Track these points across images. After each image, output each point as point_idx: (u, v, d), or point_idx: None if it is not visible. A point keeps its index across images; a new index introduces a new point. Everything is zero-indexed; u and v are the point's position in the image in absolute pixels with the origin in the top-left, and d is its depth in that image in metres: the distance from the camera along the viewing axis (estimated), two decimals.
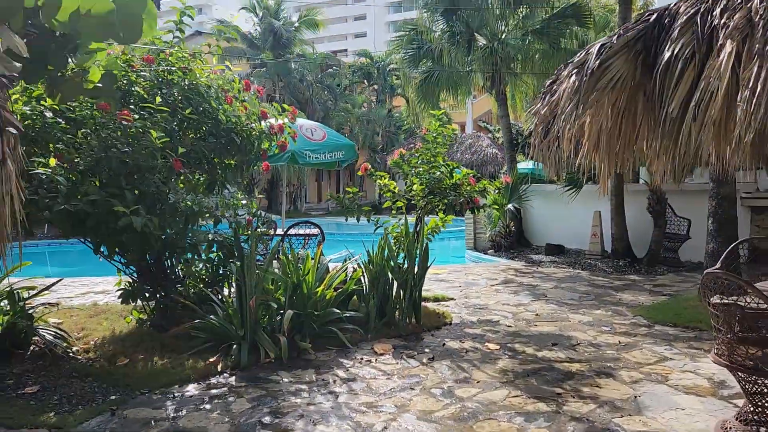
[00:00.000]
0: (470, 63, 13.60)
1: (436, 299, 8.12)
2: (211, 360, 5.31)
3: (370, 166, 7.45)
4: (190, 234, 5.75)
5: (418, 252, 6.63)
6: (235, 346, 5.43)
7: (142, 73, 5.75)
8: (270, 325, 5.78)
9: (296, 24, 29.83)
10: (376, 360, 5.47)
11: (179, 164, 5.15)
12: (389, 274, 6.55)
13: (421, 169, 7.24)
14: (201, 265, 6.34)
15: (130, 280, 6.11)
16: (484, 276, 10.15)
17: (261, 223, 7.02)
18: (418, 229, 7.01)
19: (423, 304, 7.71)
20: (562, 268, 10.89)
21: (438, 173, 7.03)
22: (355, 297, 6.72)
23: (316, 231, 8.16)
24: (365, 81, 33.87)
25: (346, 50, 53.57)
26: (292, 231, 8.26)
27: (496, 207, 12.84)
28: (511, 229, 12.93)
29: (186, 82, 5.89)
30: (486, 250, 13.46)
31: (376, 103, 32.83)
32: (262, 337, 5.56)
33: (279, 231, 8.80)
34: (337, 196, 7.33)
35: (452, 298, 8.26)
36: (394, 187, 7.44)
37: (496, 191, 7.04)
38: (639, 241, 11.16)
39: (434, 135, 7.23)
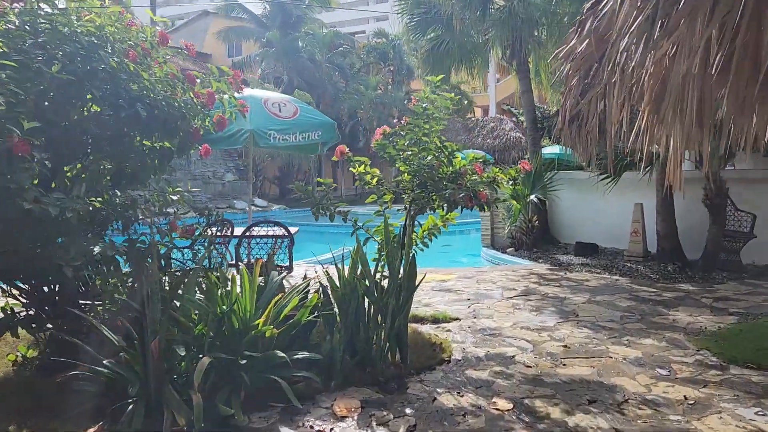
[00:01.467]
0: (486, 29, 11.67)
1: (436, 320, 6.35)
2: (91, 430, 3.65)
3: (347, 149, 5.63)
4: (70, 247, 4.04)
5: (404, 265, 4.88)
6: (130, 407, 3.74)
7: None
8: (186, 375, 4.08)
9: (307, 1, 27.97)
10: (331, 430, 3.75)
11: (24, 146, 3.41)
12: (364, 296, 4.81)
13: (409, 152, 5.43)
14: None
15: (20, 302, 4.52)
16: (500, 284, 8.32)
17: (209, 224, 5.36)
18: (405, 233, 5.21)
19: (418, 327, 5.97)
20: (596, 274, 9.01)
21: (430, 157, 5.22)
22: (321, 325, 4.99)
23: (280, 232, 6.40)
24: (381, 62, 31.92)
25: (364, 31, 51.56)
26: (254, 232, 6.55)
27: (516, 198, 10.97)
28: (534, 224, 11.05)
29: (67, 30, 4.14)
30: (505, 248, 11.61)
31: (393, 85, 30.87)
32: (170, 395, 3.85)
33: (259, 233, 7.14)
34: (305, 188, 5.53)
35: (456, 318, 6.49)
36: (376, 178, 5.64)
37: (511, 182, 5.31)
38: (690, 240, 9.22)
39: (424, 105, 5.40)
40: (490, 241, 12.13)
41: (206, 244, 5.27)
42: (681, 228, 9.10)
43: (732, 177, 8.98)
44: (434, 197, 5.30)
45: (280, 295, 4.64)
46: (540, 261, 10.21)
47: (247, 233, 6.26)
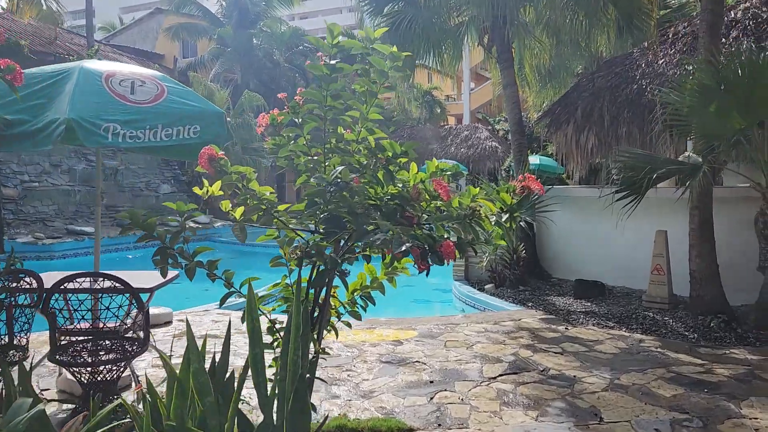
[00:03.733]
0: (459, 6, 9.25)
1: None
2: None
3: (218, 150, 3.05)
4: None
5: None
6: None
7: None
8: None
9: None
10: None
11: None
12: None
13: (314, 158, 2.92)
14: None
15: None
16: (478, 349, 5.79)
17: None
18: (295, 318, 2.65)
19: None
20: (609, 329, 6.53)
21: (343, 168, 2.68)
22: None
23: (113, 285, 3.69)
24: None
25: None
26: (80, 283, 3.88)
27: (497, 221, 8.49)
28: (520, 254, 8.56)
29: None
30: (483, 283, 9.10)
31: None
32: None
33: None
34: (133, 211, 2.88)
35: (410, 431, 3.95)
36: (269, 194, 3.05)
37: (498, 217, 3.06)
38: (732, 281, 6.83)
39: (331, 63, 2.88)
40: (464, 272, 9.62)
41: None
42: (720, 264, 6.68)
43: None
44: (354, 244, 2.79)
45: None
46: (529, 305, 7.71)
47: (63, 286, 3.62)
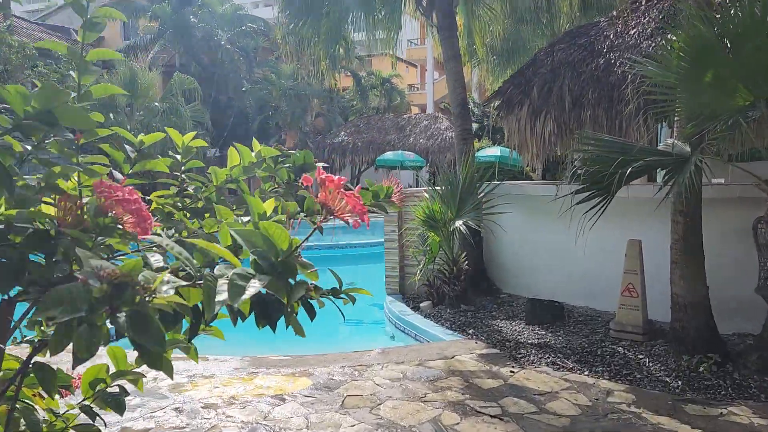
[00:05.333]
0: None
1: None
2: None
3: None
4: None
5: None
6: None
7: None
8: None
9: None
10: None
11: None
12: None
13: None
14: None
15: None
16: (387, 414, 4.13)
17: None
18: None
19: None
20: (567, 372, 4.95)
21: None
22: None
23: None
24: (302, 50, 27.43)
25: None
26: None
27: (433, 225, 6.82)
28: (462, 266, 6.93)
29: None
30: (419, 299, 7.49)
31: (315, 77, 26.48)
32: None
33: None
34: None
35: None
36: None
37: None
38: (723, 304, 5.32)
39: None
40: (398, 285, 7.98)
41: None
42: (710, 284, 5.13)
43: None
44: None
45: None
46: (470, 333, 6.09)
47: None
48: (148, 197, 2.21)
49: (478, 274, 7.39)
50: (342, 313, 2.29)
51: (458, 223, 6.62)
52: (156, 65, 22.26)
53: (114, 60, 17.85)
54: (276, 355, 5.42)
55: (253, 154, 2.42)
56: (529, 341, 5.76)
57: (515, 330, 6.12)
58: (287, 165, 2.46)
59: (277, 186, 2.50)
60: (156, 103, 17.24)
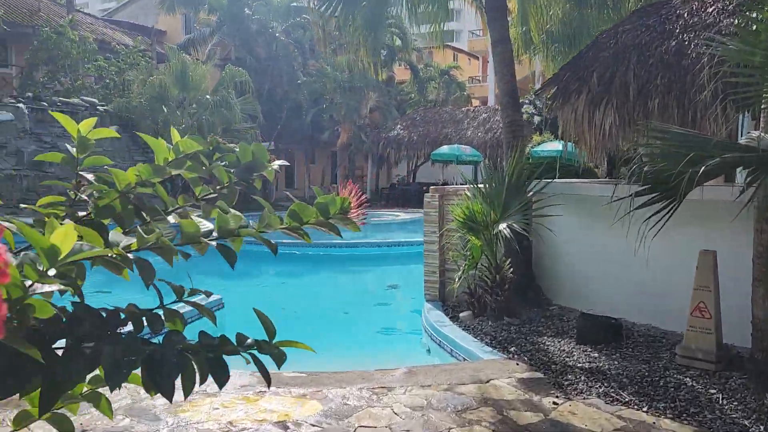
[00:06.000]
0: None
1: None
2: None
3: None
4: None
5: None
6: None
7: None
8: None
9: None
10: None
11: None
12: None
13: None
14: None
15: None
16: None
17: None
18: None
19: None
20: (621, 407, 4.18)
21: None
22: None
23: None
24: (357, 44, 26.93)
25: None
26: None
27: (474, 228, 6.11)
28: (506, 273, 6.20)
29: None
30: (459, 308, 6.82)
31: (354, 66, 25.93)
32: None
33: None
34: None
35: None
36: None
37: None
38: None
39: None
40: (438, 291, 7.33)
41: None
42: None
43: None
44: None
45: None
46: (511, 350, 5.38)
47: None
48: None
49: (524, 283, 6.64)
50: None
51: (502, 226, 5.90)
52: (212, 58, 22.29)
53: (168, 53, 17.90)
54: (290, 371, 4.88)
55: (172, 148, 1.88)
56: (579, 364, 5.01)
57: (564, 350, 5.37)
58: (225, 163, 1.90)
59: (211, 192, 1.94)
60: (207, 96, 17.13)
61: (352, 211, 1.73)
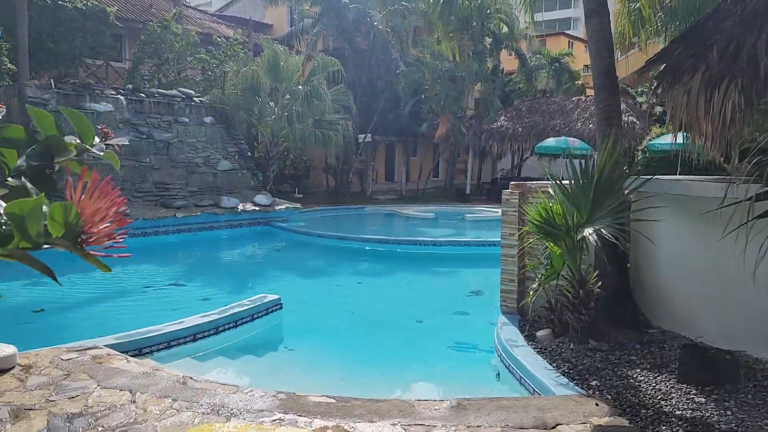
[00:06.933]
0: None
1: None
2: None
3: None
4: None
5: None
6: None
7: None
8: None
9: None
10: None
11: None
12: None
13: None
14: None
15: None
16: None
17: None
18: None
19: None
20: None
21: None
22: None
23: None
24: (462, 30, 25.78)
25: None
26: None
27: (552, 233, 5.10)
28: (590, 288, 5.15)
29: None
30: (538, 326, 5.83)
31: (473, 57, 24.78)
32: None
33: None
34: None
35: None
36: None
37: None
38: None
39: None
40: (515, 302, 6.36)
41: None
42: None
43: None
44: None
45: None
46: (592, 384, 4.37)
47: None
48: None
49: (617, 299, 5.52)
50: None
51: (587, 232, 4.86)
52: (313, 49, 22.15)
53: (263, 44, 17.86)
54: (318, 395, 4.19)
55: None
56: (678, 411, 3.92)
57: (660, 389, 4.28)
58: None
59: None
60: (299, 86, 16.91)
61: (100, 230, 0.98)
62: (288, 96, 17.06)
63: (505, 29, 27.89)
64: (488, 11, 26.31)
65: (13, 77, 15.85)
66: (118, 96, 14.72)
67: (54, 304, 8.55)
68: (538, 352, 5.19)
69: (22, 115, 13.22)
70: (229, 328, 6.39)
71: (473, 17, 25.58)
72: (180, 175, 15.23)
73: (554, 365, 4.85)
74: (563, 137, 21.98)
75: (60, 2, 18.06)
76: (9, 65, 15.89)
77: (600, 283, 5.22)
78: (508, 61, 33.55)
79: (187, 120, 16.08)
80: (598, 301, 5.20)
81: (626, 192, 5.30)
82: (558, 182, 5.33)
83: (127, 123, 14.70)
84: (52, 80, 13.85)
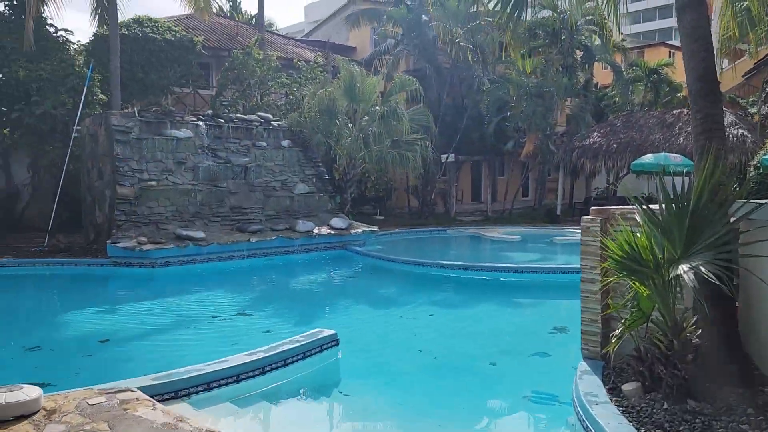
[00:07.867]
0: None
1: None
2: None
3: None
4: None
5: None
6: None
7: None
8: None
9: None
10: None
11: None
12: None
13: None
14: None
15: None
16: None
17: None
18: None
19: None
20: None
21: None
22: None
23: None
24: (550, 46, 24.69)
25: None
26: None
27: (637, 271, 4.25)
28: (688, 337, 4.23)
29: None
30: (626, 376, 4.93)
31: (561, 71, 23.60)
32: None
33: None
34: None
35: None
36: None
37: None
38: None
39: None
40: (599, 346, 5.47)
41: None
42: None
43: None
44: None
45: None
46: None
47: None
48: None
49: (723, 350, 4.54)
50: None
51: (682, 269, 3.97)
52: (394, 69, 21.88)
53: (340, 65, 17.73)
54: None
55: None
56: None
57: None
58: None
59: None
60: (377, 107, 16.58)
61: None
62: (366, 117, 16.77)
63: (597, 41, 26.51)
64: (578, 23, 25.08)
65: (104, 107, 16.55)
66: (198, 122, 14.94)
67: (120, 333, 8.45)
68: (623, 411, 4.31)
69: (108, 142, 13.68)
70: (277, 368, 5.90)
71: (562, 30, 24.46)
72: (257, 199, 15.20)
73: (642, 431, 3.97)
74: (662, 153, 20.36)
75: (150, 35, 18.82)
76: (100, 95, 16.61)
77: (700, 331, 4.28)
78: (603, 75, 31.91)
79: (264, 144, 16.11)
80: (698, 353, 4.26)
81: (733, 219, 4.36)
82: (645, 206, 4.46)
83: (206, 149, 14.87)
84: (135, 109, 14.24)
